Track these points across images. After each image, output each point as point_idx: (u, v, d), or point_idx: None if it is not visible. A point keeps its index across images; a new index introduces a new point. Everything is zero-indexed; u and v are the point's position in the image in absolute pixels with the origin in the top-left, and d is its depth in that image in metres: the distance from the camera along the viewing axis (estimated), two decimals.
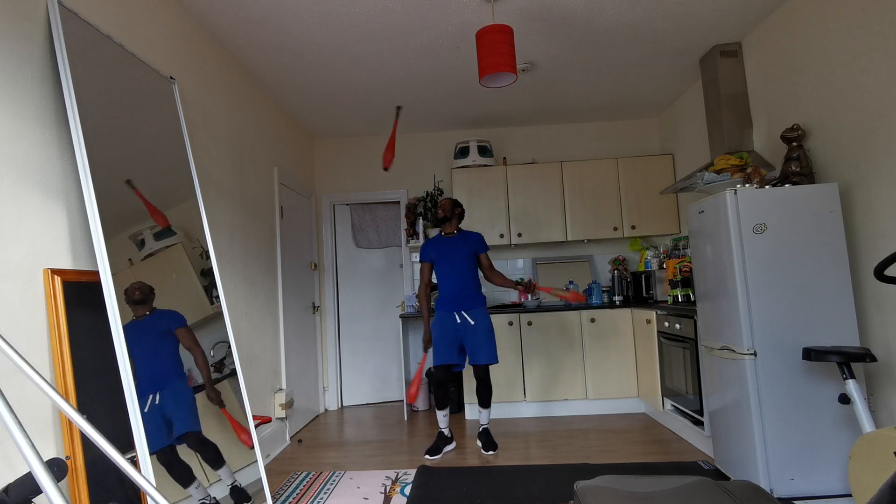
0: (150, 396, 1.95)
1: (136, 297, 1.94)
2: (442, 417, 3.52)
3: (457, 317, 3.49)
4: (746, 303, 2.57)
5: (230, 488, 2.28)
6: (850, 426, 2.47)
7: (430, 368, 4.86)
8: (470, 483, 2.89)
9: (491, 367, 4.28)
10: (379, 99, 4.21)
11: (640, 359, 4.16)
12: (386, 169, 3.90)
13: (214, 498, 2.10)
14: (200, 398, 2.25)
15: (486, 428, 3.55)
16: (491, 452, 3.42)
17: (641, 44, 3.47)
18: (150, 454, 1.87)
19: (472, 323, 3.46)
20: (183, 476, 1.98)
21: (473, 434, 3.89)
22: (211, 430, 2.27)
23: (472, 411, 4.34)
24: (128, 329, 1.88)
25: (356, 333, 5.15)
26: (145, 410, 1.92)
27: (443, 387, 3.50)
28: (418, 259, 4.88)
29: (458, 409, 4.53)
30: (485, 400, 3.54)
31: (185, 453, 2.05)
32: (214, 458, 2.24)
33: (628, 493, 1.45)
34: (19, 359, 1.32)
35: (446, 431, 3.54)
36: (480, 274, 4.67)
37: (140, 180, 2.16)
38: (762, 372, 2.52)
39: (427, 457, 3.39)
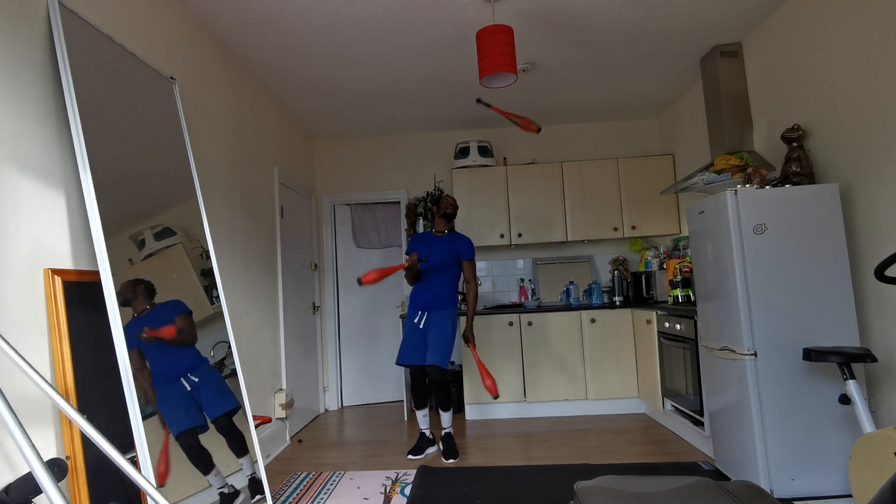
0: (182, 380, 2.04)
1: (121, 300, 1.91)
2: (422, 418, 3.47)
3: (418, 318, 3.46)
4: (746, 303, 2.57)
5: (249, 479, 2.35)
6: (850, 426, 2.47)
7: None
8: (470, 483, 2.89)
9: (491, 366, 4.28)
10: (380, 99, 4.21)
11: (640, 359, 4.16)
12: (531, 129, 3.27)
13: (233, 486, 2.12)
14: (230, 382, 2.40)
15: (448, 432, 3.42)
16: (451, 461, 3.29)
17: (642, 44, 3.47)
18: (180, 433, 1.96)
19: (431, 324, 3.42)
20: (203, 462, 2.00)
21: (473, 435, 3.88)
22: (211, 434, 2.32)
23: (472, 412, 4.34)
24: (131, 326, 1.88)
25: (356, 333, 5.15)
26: (187, 389, 2.06)
27: (418, 386, 3.44)
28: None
29: (458, 409, 4.53)
30: (441, 402, 3.42)
31: (213, 438, 2.13)
32: (240, 447, 2.32)
33: (628, 493, 1.45)
34: (19, 359, 1.32)
35: (427, 432, 3.47)
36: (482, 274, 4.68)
37: (140, 180, 2.16)
38: (762, 372, 2.52)
39: (410, 456, 3.36)
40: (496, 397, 3.31)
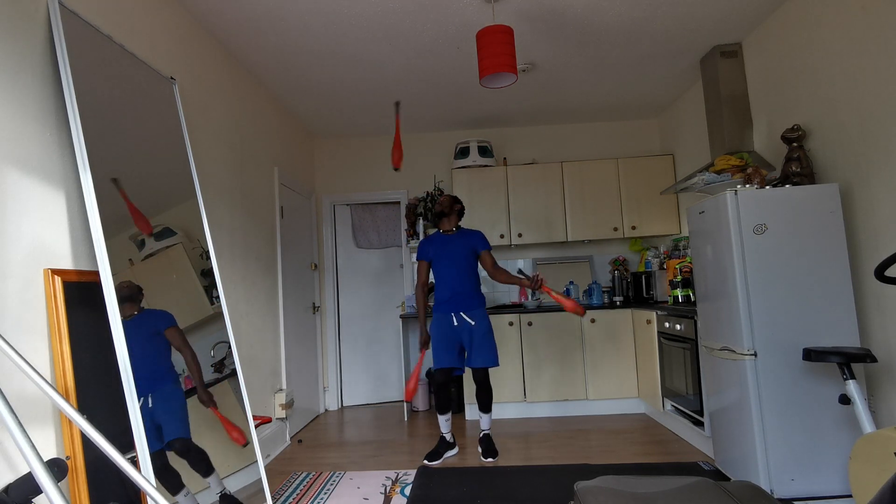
0: (142, 399, 1.88)
1: (124, 293, 1.90)
2: (444, 422, 3.44)
3: (454, 318, 3.39)
4: (746, 303, 2.57)
5: (219, 496, 2.18)
6: (850, 427, 2.47)
7: (430, 369, 4.86)
8: (470, 483, 2.89)
9: (492, 368, 4.27)
10: (380, 99, 4.21)
11: (640, 359, 4.16)
12: (396, 168, 3.67)
13: None
14: (192, 402, 2.18)
15: (487, 433, 3.45)
16: (490, 460, 3.29)
17: (642, 44, 3.47)
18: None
19: (472, 324, 3.37)
20: (171, 483, 1.93)
21: (473, 435, 3.88)
22: (203, 435, 2.19)
23: (472, 412, 4.34)
24: None
25: (356, 333, 5.15)
26: (147, 407, 1.88)
27: (443, 390, 3.43)
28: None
29: (458, 409, 4.53)
30: (485, 404, 3.44)
31: (175, 460, 2.01)
32: (203, 467, 2.14)
33: (628, 493, 1.45)
34: (19, 359, 1.32)
35: (448, 436, 3.44)
36: (483, 273, 4.66)
37: (140, 180, 2.16)
38: (762, 372, 2.52)
39: (426, 462, 3.31)
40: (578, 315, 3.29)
